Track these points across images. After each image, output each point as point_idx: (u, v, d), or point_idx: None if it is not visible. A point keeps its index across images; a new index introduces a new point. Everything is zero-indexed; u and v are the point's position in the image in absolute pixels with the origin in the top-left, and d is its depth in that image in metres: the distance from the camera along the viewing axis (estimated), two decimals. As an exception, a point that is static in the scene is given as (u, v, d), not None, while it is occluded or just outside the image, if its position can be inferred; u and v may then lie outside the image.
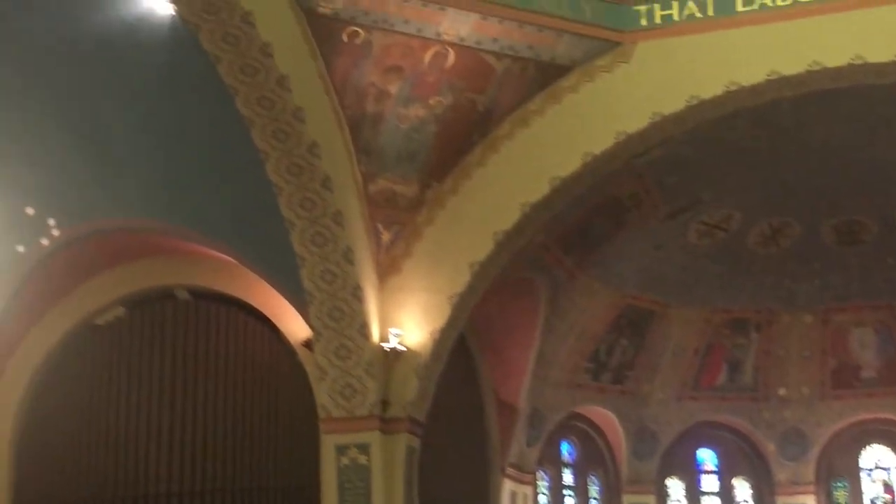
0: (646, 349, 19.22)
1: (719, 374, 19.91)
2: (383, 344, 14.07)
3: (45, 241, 12.86)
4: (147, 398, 15.51)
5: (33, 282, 14.85)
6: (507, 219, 14.33)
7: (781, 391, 19.89)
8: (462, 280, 14.36)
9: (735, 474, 20.85)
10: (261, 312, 15.59)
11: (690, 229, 17.66)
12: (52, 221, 12.32)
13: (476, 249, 14.36)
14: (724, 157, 15.95)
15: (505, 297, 16.25)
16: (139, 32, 12.00)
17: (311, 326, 14.04)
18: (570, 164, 14.22)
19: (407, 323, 14.25)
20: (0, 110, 13.05)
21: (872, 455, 20.67)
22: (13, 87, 12.87)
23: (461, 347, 16.10)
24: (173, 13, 11.69)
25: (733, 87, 13.76)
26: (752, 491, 20.71)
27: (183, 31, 11.81)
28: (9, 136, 13.26)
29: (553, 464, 19.58)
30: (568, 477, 19.87)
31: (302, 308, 14.08)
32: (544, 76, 14.17)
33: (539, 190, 14.29)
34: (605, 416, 19.71)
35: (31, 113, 13.15)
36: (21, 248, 12.47)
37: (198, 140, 13.27)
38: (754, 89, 13.82)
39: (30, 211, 11.76)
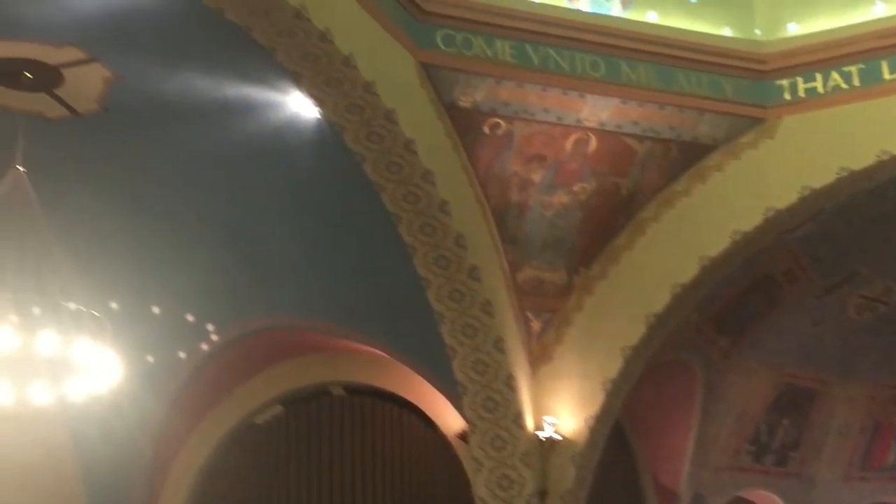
0: (809, 429, 18.62)
1: (889, 452, 19.16)
2: (538, 433, 13.94)
3: (204, 347, 13.18)
4: (306, 494, 15.66)
5: (193, 386, 15.21)
6: (658, 301, 14.15)
7: (959, 468, 19.06)
8: (615, 365, 14.19)
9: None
10: (415, 405, 15.66)
11: (849, 304, 17.14)
12: (210, 327, 12.63)
13: (628, 334, 14.20)
14: (879, 229, 15.49)
15: (659, 381, 15.99)
16: (286, 136, 12.35)
17: (465, 418, 14.01)
18: (719, 243, 14.01)
19: (561, 411, 14.11)
20: (156, 218, 13.54)
21: None
22: (168, 194, 13.35)
23: (617, 433, 15.85)
24: (319, 115, 12.01)
25: (885, 157, 13.41)
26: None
27: (328, 132, 12.12)
28: (166, 242, 13.72)
29: (718, 550, 19.03)
30: (735, 563, 19.28)
31: (455, 400, 14.07)
32: (688, 156, 14.05)
33: (689, 271, 14.10)
34: (770, 500, 19.10)
35: (186, 219, 13.59)
36: (182, 355, 12.81)
37: (346, 237, 13.51)
38: (907, 157, 13.48)
39: (190, 318, 12.08)
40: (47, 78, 11.68)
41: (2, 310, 10.71)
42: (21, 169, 11.40)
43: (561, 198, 13.79)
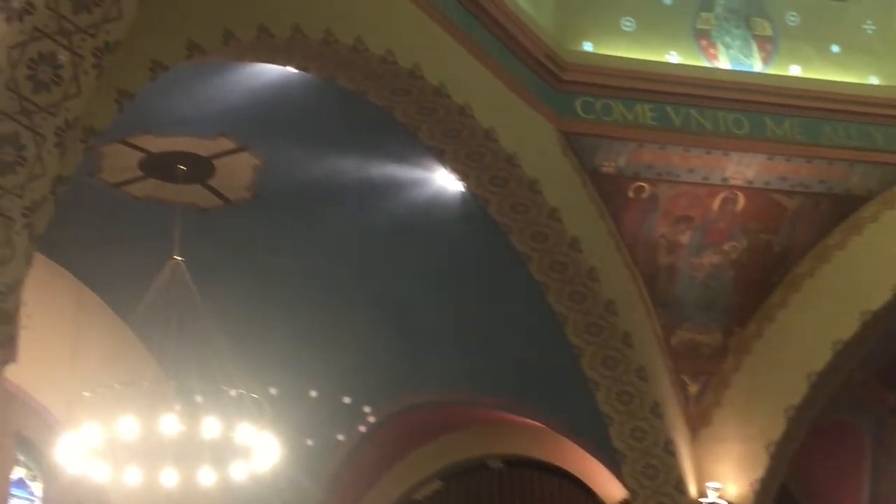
0: None
1: None
2: (701, 499, 13.64)
3: (362, 428, 13.25)
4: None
5: (351, 466, 15.31)
6: (819, 359, 13.76)
7: None
8: (778, 427, 13.81)
9: None
10: (574, 475, 15.47)
11: None
12: (367, 408, 12.71)
13: (789, 393, 13.83)
14: None
15: (826, 440, 15.51)
16: (432, 211, 12.48)
17: (625, 486, 13.80)
18: (880, 296, 13.59)
19: (724, 475, 13.78)
20: (308, 301, 13.76)
21: None
22: (319, 277, 13.57)
23: (785, 497, 15.39)
24: (463, 189, 12.11)
25: None
26: None
27: (473, 205, 12.21)
28: (318, 325, 13.92)
29: None
30: None
31: (615, 468, 13.88)
32: (840, 209, 13.72)
33: (849, 326, 13.69)
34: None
35: (337, 300, 13.78)
36: (340, 437, 12.90)
37: (495, 308, 13.52)
38: None
39: (346, 399, 12.18)
40: (200, 169, 12.06)
41: (167, 398, 11.01)
42: (179, 258, 11.75)
43: (711, 258, 13.59)
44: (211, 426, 10.90)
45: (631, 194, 13.06)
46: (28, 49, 7.58)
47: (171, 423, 10.81)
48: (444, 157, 11.70)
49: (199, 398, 10.90)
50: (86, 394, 11.00)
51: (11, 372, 8.02)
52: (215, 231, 12.85)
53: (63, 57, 7.68)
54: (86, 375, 12.06)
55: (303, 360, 13.98)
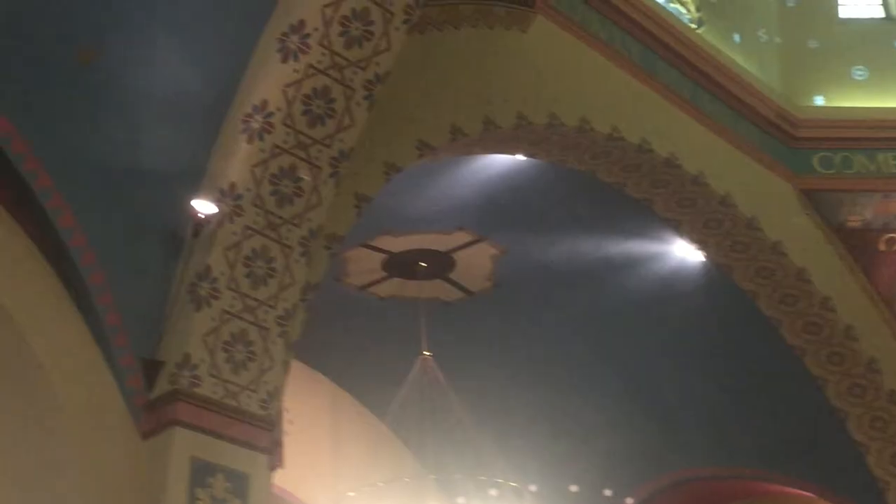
0: None
1: None
2: None
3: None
4: None
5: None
6: None
7: None
8: None
9: None
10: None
11: None
12: (630, 500, 12.48)
13: None
14: None
15: None
16: (673, 283, 12.29)
17: (906, 553, 13.06)
18: None
19: None
20: (554, 386, 13.66)
21: None
22: (563, 360, 13.48)
23: None
24: (703, 259, 11.91)
25: None
26: None
27: (715, 274, 11.98)
28: (567, 410, 13.80)
29: None
30: None
31: (893, 533, 13.17)
32: None
33: None
34: None
35: (585, 384, 13.65)
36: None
37: (747, 376, 13.10)
38: None
39: (607, 493, 11.99)
40: (441, 264, 12.26)
41: (428, 492, 11.12)
42: (427, 353, 11.94)
43: (974, 308, 12.87)
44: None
45: (882, 247, 12.53)
46: (270, 166, 7.95)
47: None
48: (681, 228, 11.56)
49: (460, 495, 10.96)
50: (350, 494, 11.22)
51: (278, 476, 8.28)
52: (459, 323, 12.99)
53: (303, 170, 8.01)
54: (348, 475, 12.30)
55: (556, 448, 13.86)
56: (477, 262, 12.29)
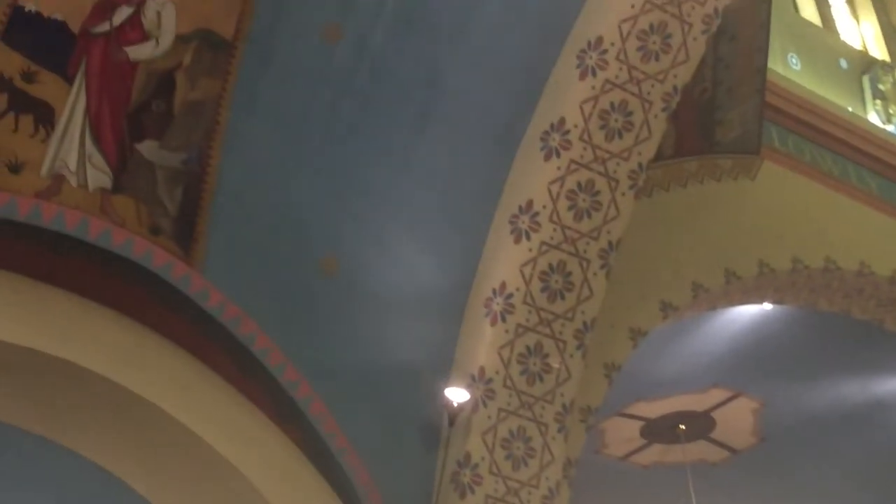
0: None
1: None
2: None
3: None
4: None
5: None
6: None
7: None
8: None
9: None
10: None
11: None
12: None
13: None
14: None
15: None
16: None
17: None
18: None
19: None
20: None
21: None
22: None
23: None
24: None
25: None
26: None
27: None
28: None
29: None
30: None
31: None
32: None
33: None
34: None
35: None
36: None
37: None
38: None
39: None
40: (700, 424, 12.00)
41: None
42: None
43: None
44: None
45: None
46: (516, 346, 8.01)
47: None
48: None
49: None
50: None
51: None
52: (726, 483, 12.59)
53: (549, 348, 8.04)
54: None
55: None
56: (738, 419, 11.97)
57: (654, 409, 11.75)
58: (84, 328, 7.19)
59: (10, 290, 6.98)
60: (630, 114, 7.98)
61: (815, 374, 11.47)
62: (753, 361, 11.26)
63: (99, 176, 7.22)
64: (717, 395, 11.61)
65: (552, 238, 8.05)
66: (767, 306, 10.42)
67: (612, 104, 7.93)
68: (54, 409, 7.56)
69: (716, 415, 11.91)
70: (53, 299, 7.11)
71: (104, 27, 7.22)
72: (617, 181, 8.14)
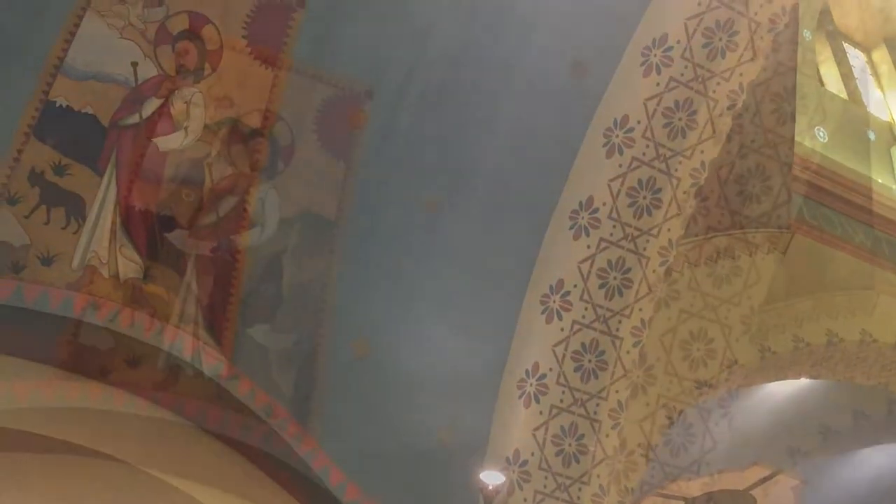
0: None
1: None
2: None
3: None
4: None
5: None
6: None
7: None
8: None
9: None
10: None
11: None
12: None
13: None
14: None
15: None
16: None
17: None
18: None
19: None
20: None
21: None
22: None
23: None
24: None
25: None
26: None
27: None
28: None
29: None
30: None
31: None
32: None
33: None
34: None
35: None
36: None
37: None
38: None
39: None
40: (741, 503, 11.80)
41: None
42: None
43: None
44: None
45: None
46: (550, 427, 7.95)
47: None
48: None
49: None
50: None
51: None
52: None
53: (583, 429, 7.97)
54: None
55: None
56: (779, 497, 11.78)
57: (694, 487, 11.57)
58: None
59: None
60: (658, 190, 7.98)
61: (852, 447, 11.30)
62: (791, 438, 11.11)
63: (130, 266, 7.27)
64: (757, 472, 11.44)
65: (584, 317, 8.01)
66: (804, 381, 10.30)
67: (640, 181, 7.93)
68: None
69: (756, 493, 11.73)
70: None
71: (134, 119, 7.32)
72: (647, 258, 8.12)
